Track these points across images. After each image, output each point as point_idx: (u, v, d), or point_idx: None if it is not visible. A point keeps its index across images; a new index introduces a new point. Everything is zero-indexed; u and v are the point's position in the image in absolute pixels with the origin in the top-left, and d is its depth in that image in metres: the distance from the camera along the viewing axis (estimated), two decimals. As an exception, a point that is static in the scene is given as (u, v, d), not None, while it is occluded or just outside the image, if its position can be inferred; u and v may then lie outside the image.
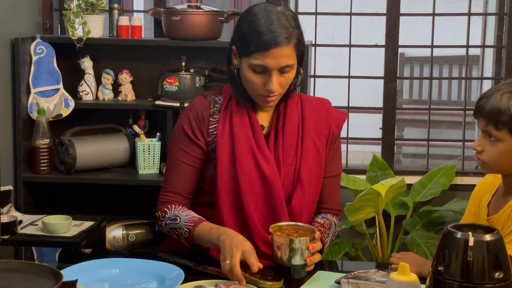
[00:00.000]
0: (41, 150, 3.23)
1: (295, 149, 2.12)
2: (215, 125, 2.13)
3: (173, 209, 2.12)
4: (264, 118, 2.15)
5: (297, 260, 1.92)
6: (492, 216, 1.97)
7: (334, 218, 2.20)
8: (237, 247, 1.89)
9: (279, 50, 1.98)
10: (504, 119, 1.85)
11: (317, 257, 1.96)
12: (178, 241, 2.13)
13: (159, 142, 3.29)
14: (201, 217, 2.09)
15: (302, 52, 2.09)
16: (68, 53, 3.40)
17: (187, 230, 2.05)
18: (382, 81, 3.79)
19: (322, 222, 2.16)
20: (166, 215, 2.11)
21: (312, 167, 2.12)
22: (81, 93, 3.40)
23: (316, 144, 2.14)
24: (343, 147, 3.91)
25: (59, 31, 3.68)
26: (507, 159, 1.89)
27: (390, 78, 3.76)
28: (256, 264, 1.86)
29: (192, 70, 3.36)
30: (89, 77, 3.41)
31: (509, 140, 1.87)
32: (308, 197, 2.11)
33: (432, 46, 3.86)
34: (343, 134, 3.89)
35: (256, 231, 2.06)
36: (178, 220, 2.08)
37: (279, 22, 1.99)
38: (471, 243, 1.48)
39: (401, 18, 3.71)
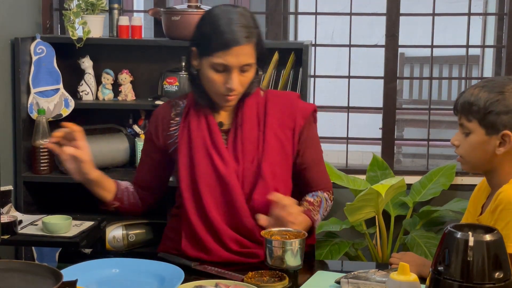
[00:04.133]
0: (41, 150, 3.23)
1: (257, 144, 2.15)
2: (176, 127, 2.20)
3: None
4: (225, 116, 2.20)
5: (291, 262, 1.94)
6: (480, 216, 1.98)
7: (324, 194, 2.26)
8: None
9: (240, 48, 2.02)
10: (474, 109, 1.91)
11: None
12: (176, 240, 2.14)
13: (159, 142, 3.29)
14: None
15: (261, 52, 2.11)
16: (68, 53, 3.40)
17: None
18: (382, 81, 3.79)
19: (312, 200, 2.21)
20: None
21: (276, 160, 2.15)
22: (81, 93, 3.40)
23: (280, 137, 2.17)
24: (343, 147, 3.92)
25: (59, 31, 3.68)
26: (478, 151, 1.94)
27: (390, 78, 3.76)
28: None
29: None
30: (89, 77, 3.41)
31: (479, 131, 1.92)
32: (271, 191, 2.10)
33: (432, 46, 3.86)
34: (343, 134, 3.90)
35: (221, 229, 2.12)
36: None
37: (239, 22, 2.04)
38: (471, 243, 1.49)
39: (401, 18, 3.71)
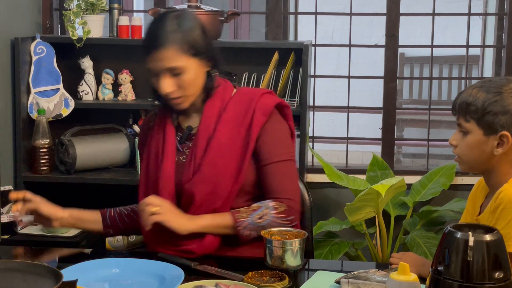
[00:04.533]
0: (41, 150, 3.23)
1: (206, 142, 2.14)
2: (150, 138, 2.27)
3: None
4: (195, 119, 2.21)
5: (291, 262, 1.94)
6: (479, 216, 1.98)
7: (269, 202, 2.13)
8: None
9: (160, 52, 2.04)
10: (471, 110, 1.91)
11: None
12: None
13: (159, 142, 3.29)
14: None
15: (198, 53, 2.09)
16: (68, 53, 3.40)
17: None
18: (382, 81, 3.79)
19: (249, 204, 2.16)
20: None
21: (221, 157, 2.12)
22: (81, 93, 3.40)
23: (232, 134, 2.14)
24: (343, 147, 3.92)
25: (59, 31, 3.68)
26: (476, 151, 1.93)
27: (390, 78, 3.76)
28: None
29: (192, 70, 3.36)
30: (89, 77, 3.41)
31: (477, 131, 1.92)
32: (209, 185, 2.10)
33: (432, 46, 3.86)
34: (343, 134, 3.90)
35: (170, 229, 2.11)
36: None
37: (159, 27, 2.07)
38: (471, 243, 1.48)
39: (401, 18, 3.71)
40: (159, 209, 2.03)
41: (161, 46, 2.04)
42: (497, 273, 1.49)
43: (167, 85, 2.07)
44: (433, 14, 3.78)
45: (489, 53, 4.16)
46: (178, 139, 2.21)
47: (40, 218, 2.18)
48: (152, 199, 2.05)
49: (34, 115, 3.26)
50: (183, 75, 2.07)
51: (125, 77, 3.43)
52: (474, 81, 4.51)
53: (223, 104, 2.17)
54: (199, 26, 2.12)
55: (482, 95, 1.91)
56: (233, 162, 2.13)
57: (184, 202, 2.14)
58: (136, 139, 3.31)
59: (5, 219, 2.49)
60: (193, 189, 2.12)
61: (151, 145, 2.23)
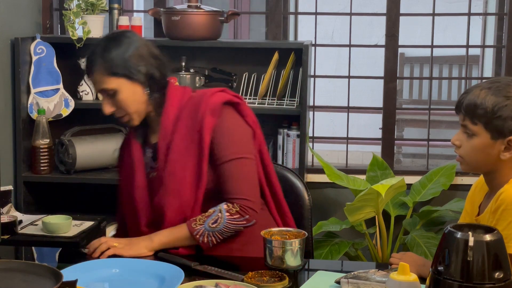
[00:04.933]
0: (41, 150, 3.23)
1: (165, 154, 2.16)
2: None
3: None
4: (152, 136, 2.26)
5: (291, 262, 1.94)
6: (479, 216, 1.98)
7: (223, 205, 2.13)
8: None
9: (92, 77, 2.17)
10: (479, 113, 1.88)
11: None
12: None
13: (159, 142, 3.29)
14: None
15: (126, 74, 2.11)
16: (68, 53, 3.40)
17: None
18: (382, 81, 3.79)
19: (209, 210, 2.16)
20: None
21: (179, 165, 2.14)
22: (81, 93, 3.40)
23: (188, 141, 2.15)
24: (343, 147, 3.91)
25: (59, 31, 3.68)
26: (481, 154, 1.91)
27: (390, 78, 3.76)
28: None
29: (192, 70, 3.36)
30: (89, 77, 3.41)
31: (484, 135, 1.89)
32: (174, 196, 2.14)
33: (432, 46, 3.85)
34: (343, 134, 3.90)
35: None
36: None
37: (93, 51, 2.16)
38: (471, 243, 1.48)
39: (401, 18, 3.71)
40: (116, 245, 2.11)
41: (91, 70, 2.15)
42: (497, 273, 1.49)
43: (106, 106, 2.16)
44: (433, 14, 3.78)
45: (489, 53, 4.16)
46: (151, 155, 2.23)
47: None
48: (106, 239, 2.15)
49: (34, 115, 3.26)
50: (118, 96, 2.12)
51: (125, 77, 3.43)
52: (474, 81, 4.52)
53: (179, 112, 2.17)
54: (133, 47, 2.12)
55: (492, 98, 1.87)
56: (192, 170, 2.14)
57: (157, 215, 2.19)
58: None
59: (5, 219, 2.48)
60: (161, 203, 2.17)
61: (124, 165, 2.30)
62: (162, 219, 2.17)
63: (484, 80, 4.46)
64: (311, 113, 3.74)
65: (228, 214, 2.11)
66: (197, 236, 2.10)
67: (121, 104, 2.13)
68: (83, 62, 3.41)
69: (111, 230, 3.17)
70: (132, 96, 2.12)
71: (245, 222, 2.12)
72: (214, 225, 2.11)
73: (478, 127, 1.89)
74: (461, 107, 1.93)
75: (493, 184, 1.95)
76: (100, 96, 3.41)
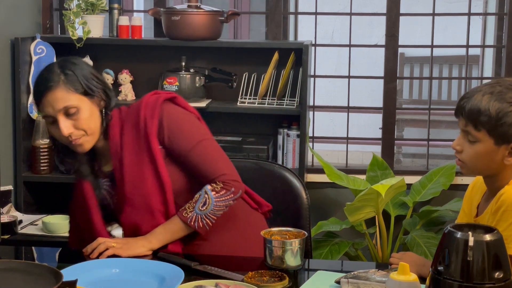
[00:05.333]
0: (41, 150, 3.23)
1: (121, 171, 2.15)
2: None
3: None
4: (108, 159, 2.22)
5: (291, 262, 1.95)
6: (478, 217, 1.97)
7: (207, 187, 2.14)
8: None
9: (51, 94, 2.07)
10: (483, 119, 1.85)
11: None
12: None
13: (159, 142, 3.29)
14: None
15: (91, 90, 2.11)
16: (68, 53, 3.38)
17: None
18: (382, 81, 3.79)
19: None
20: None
21: (139, 178, 2.14)
22: (81, 93, 3.39)
23: (137, 150, 2.15)
24: (343, 147, 3.91)
25: (59, 31, 3.68)
26: (484, 160, 1.89)
27: (390, 78, 3.76)
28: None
29: (192, 70, 3.36)
30: (89, 77, 3.40)
31: (487, 141, 1.86)
32: (142, 208, 2.15)
33: (432, 46, 3.85)
34: (343, 134, 3.90)
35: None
36: None
37: (49, 70, 2.10)
38: (471, 243, 1.48)
39: (401, 18, 3.71)
40: (115, 245, 2.11)
41: (51, 88, 2.07)
42: (497, 273, 1.49)
43: (65, 127, 2.07)
44: (433, 14, 3.78)
45: (489, 53, 4.16)
46: (108, 185, 2.22)
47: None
48: (104, 239, 2.14)
49: (34, 115, 3.26)
50: (79, 114, 2.08)
51: (125, 77, 3.43)
52: (474, 81, 4.52)
53: (121, 127, 2.17)
54: (87, 66, 2.16)
55: (495, 104, 1.84)
56: (151, 177, 2.14)
57: (132, 233, 2.18)
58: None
59: (5, 219, 2.49)
60: (134, 221, 2.17)
61: (78, 206, 2.27)
62: (139, 234, 2.17)
63: (484, 82, 4.47)
64: (311, 113, 3.74)
65: (214, 193, 2.12)
66: (191, 223, 2.11)
67: (80, 124, 2.08)
68: (83, 62, 3.41)
69: (111, 230, 3.17)
70: (91, 115, 2.11)
71: (232, 195, 2.14)
72: (204, 208, 2.12)
73: (481, 133, 1.87)
74: (462, 112, 1.90)
75: (493, 186, 1.94)
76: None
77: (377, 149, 3.89)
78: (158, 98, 2.16)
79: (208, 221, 2.13)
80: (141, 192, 2.14)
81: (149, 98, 2.17)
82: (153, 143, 2.13)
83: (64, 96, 2.07)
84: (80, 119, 2.08)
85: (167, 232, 2.13)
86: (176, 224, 2.13)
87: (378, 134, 3.87)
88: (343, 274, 1.92)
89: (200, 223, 2.12)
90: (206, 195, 2.13)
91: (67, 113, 2.08)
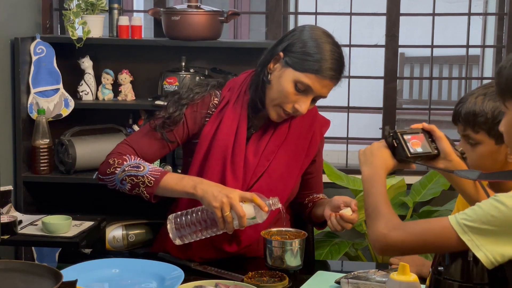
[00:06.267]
0: (41, 150, 3.23)
1: (269, 158, 2.15)
2: (207, 119, 2.15)
3: (133, 159, 2.09)
4: (259, 122, 2.18)
5: (291, 262, 1.95)
6: None
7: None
8: (231, 191, 1.94)
9: (330, 83, 2.06)
10: (480, 120, 1.85)
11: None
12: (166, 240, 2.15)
13: (159, 142, 3.28)
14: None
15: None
16: (68, 53, 3.40)
17: (153, 179, 2.03)
18: (382, 81, 3.79)
19: (321, 196, 2.32)
20: (125, 162, 2.07)
21: (279, 175, 2.15)
22: (81, 93, 3.40)
23: (295, 151, 2.18)
24: (343, 147, 3.92)
25: (59, 31, 3.68)
26: (487, 161, 1.88)
27: (390, 78, 3.76)
28: (263, 203, 1.95)
29: (192, 70, 3.36)
30: (89, 77, 3.41)
31: (488, 141, 1.86)
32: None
33: (432, 46, 3.86)
34: (343, 134, 3.91)
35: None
36: (142, 168, 2.05)
37: (342, 59, 2.08)
38: (471, 243, 1.48)
39: (401, 18, 3.71)
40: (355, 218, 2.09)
41: (337, 79, 2.08)
42: (496, 273, 1.49)
43: (307, 108, 2.07)
44: (433, 14, 3.78)
45: (489, 53, 4.17)
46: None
47: None
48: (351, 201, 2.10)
49: (34, 115, 3.26)
50: (314, 104, 2.13)
51: (125, 77, 3.43)
52: (474, 81, 4.52)
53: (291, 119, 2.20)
54: None
55: (490, 104, 1.84)
56: (295, 175, 2.21)
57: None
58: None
59: (5, 219, 2.48)
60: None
61: (217, 139, 2.13)
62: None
63: (484, 82, 4.46)
64: (311, 113, 3.73)
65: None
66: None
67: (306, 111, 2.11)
68: (83, 62, 3.41)
69: (111, 230, 3.17)
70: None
71: None
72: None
73: (481, 135, 1.87)
74: (459, 117, 1.91)
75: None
76: (100, 95, 3.42)
77: (377, 149, 3.88)
78: (328, 122, 2.37)
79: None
80: (282, 181, 2.16)
81: (320, 115, 2.33)
82: (311, 151, 2.25)
83: (330, 89, 2.09)
84: (311, 107, 2.11)
85: None
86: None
87: (378, 134, 3.87)
88: (343, 274, 1.92)
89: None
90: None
91: (314, 99, 2.10)
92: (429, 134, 1.79)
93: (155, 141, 2.14)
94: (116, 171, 2.07)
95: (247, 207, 1.93)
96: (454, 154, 1.78)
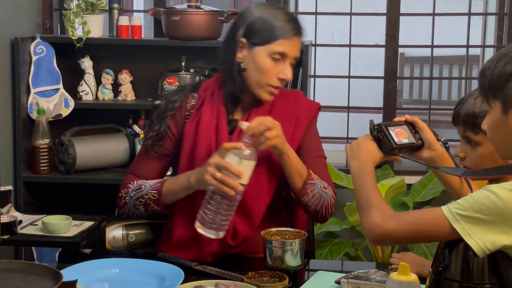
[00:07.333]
0: (41, 150, 3.23)
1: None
2: (187, 120, 2.20)
3: (135, 183, 2.20)
4: (239, 114, 2.21)
5: (291, 262, 1.95)
6: None
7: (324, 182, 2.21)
8: (208, 160, 1.99)
9: (298, 40, 2.15)
10: (480, 122, 1.84)
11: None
12: (169, 237, 2.17)
13: (159, 142, 3.28)
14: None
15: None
16: (68, 53, 3.40)
17: (156, 191, 2.14)
18: (382, 81, 3.79)
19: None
20: (129, 189, 2.20)
21: (266, 162, 2.13)
22: (81, 93, 3.40)
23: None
24: (343, 147, 3.89)
25: (59, 31, 3.68)
26: (488, 162, 1.88)
27: (390, 78, 3.76)
28: (236, 143, 1.97)
29: (192, 70, 3.36)
30: (89, 77, 3.41)
31: (487, 142, 1.84)
32: (255, 186, 2.10)
33: (432, 46, 3.86)
34: (343, 134, 3.90)
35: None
36: (143, 187, 2.17)
37: (294, 16, 2.18)
38: (471, 243, 1.48)
39: (401, 18, 3.71)
40: (275, 134, 2.01)
41: (301, 33, 2.15)
42: (496, 273, 1.49)
43: (290, 72, 2.12)
44: (433, 14, 3.78)
45: (489, 53, 4.16)
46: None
47: None
48: (267, 120, 2.01)
49: (34, 115, 3.26)
50: (292, 68, 2.14)
51: (125, 77, 3.43)
52: (474, 81, 4.51)
53: (269, 103, 2.20)
54: None
55: None
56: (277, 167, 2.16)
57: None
58: (136, 139, 3.31)
59: (5, 219, 2.48)
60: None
61: (199, 136, 2.16)
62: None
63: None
64: (311, 113, 3.73)
65: (332, 194, 2.19)
66: (307, 187, 2.10)
67: (289, 78, 2.14)
68: (83, 62, 3.41)
69: (111, 230, 3.17)
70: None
71: (330, 213, 2.18)
72: (324, 190, 2.15)
73: (480, 136, 1.87)
74: (459, 118, 1.92)
75: None
76: (100, 95, 3.42)
77: (377, 149, 3.89)
78: (316, 104, 2.30)
79: (313, 200, 2.11)
80: (269, 165, 2.14)
81: (307, 99, 2.31)
82: (297, 137, 2.20)
83: (299, 47, 2.16)
84: (289, 75, 2.12)
85: (297, 160, 2.11)
86: (304, 170, 2.11)
87: (378, 134, 3.86)
88: (343, 274, 1.92)
89: (311, 195, 2.11)
90: (329, 188, 2.18)
91: (291, 63, 2.13)
92: (412, 126, 1.86)
93: (152, 160, 2.24)
94: (126, 201, 2.22)
95: (228, 158, 1.95)
96: (438, 143, 1.81)
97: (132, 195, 2.19)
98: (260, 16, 2.12)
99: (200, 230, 1.96)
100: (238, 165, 1.93)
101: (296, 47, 2.13)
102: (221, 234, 1.97)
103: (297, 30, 2.14)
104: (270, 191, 2.16)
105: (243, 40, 2.13)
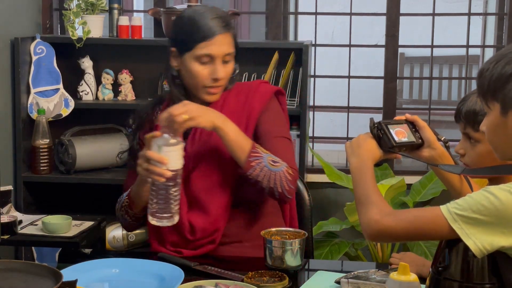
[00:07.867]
0: (41, 150, 3.23)
1: (207, 138, 2.16)
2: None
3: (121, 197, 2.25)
4: None
5: (291, 262, 1.95)
6: None
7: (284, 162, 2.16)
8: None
9: (221, 37, 2.10)
10: (480, 119, 1.83)
11: None
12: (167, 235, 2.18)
13: (159, 142, 3.28)
14: None
15: (237, 46, 2.18)
16: (68, 53, 3.40)
17: (127, 197, 2.19)
18: (382, 81, 3.79)
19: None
20: (117, 203, 2.26)
21: (218, 153, 2.14)
22: (81, 93, 3.40)
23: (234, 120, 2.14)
24: (343, 147, 3.89)
25: (59, 31, 3.68)
26: (487, 159, 1.87)
27: (390, 78, 3.76)
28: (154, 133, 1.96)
29: (192, 70, 3.36)
30: (89, 77, 3.41)
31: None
32: (205, 183, 2.13)
33: (432, 46, 3.86)
34: (343, 134, 3.90)
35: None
36: (122, 197, 2.23)
37: (215, 13, 2.13)
38: (471, 243, 1.48)
39: (401, 18, 3.71)
40: (186, 117, 1.98)
41: (223, 30, 2.10)
42: (496, 273, 1.49)
43: (223, 70, 2.12)
44: (433, 14, 3.78)
45: (489, 53, 4.16)
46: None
47: None
48: (175, 108, 2.00)
49: (34, 115, 3.26)
50: (230, 64, 2.15)
51: (125, 77, 3.43)
52: (474, 81, 4.51)
53: (223, 99, 2.21)
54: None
55: None
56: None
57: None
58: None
59: (5, 219, 2.48)
60: (192, 187, 2.15)
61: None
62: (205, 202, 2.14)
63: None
64: (311, 113, 3.74)
65: (286, 169, 2.10)
66: (251, 160, 2.05)
67: (229, 73, 2.15)
68: (83, 62, 3.41)
69: (111, 230, 3.18)
70: (232, 68, 2.18)
71: (292, 186, 2.11)
72: (273, 164, 2.08)
73: (481, 133, 1.86)
74: (460, 115, 1.93)
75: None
76: (100, 95, 3.42)
77: (377, 149, 3.88)
78: (271, 89, 2.24)
79: (262, 174, 2.06)
80: (223, 159, 2.14)
81: (264, 86, 2.25)
82: (251, 123, 2.17)
83: (231, 43, 2.13)
84: (230, 69, 2.15)
85: (237, 133, 2.06)
86: (247, 142, 2.07)
87: (378, 134, 3.86)
88: (343, 274, 1.92)
89: (256, 171, 2.06)
90: (281, 162, 2.10)
91: (225, 60, 2.13)
92: (412, 125, 1.87)
93: (134, 174, 2.19)
94: (117, 214, 2.28)
95: (151, 147, 1.95)
96: (438, 142, 1.81)
97: (117, 207, 2.26)
98: (182, 23, 2.15)
99: (154, 222, 1.96)
100: (159, 152, 1.93)
101: (222, 44, 2.10)
102: (176, 219, 1.96)
103: (220, 27, 2.10)
104: (225, 181, 2.14)
105: (173, 49, 2.17)
